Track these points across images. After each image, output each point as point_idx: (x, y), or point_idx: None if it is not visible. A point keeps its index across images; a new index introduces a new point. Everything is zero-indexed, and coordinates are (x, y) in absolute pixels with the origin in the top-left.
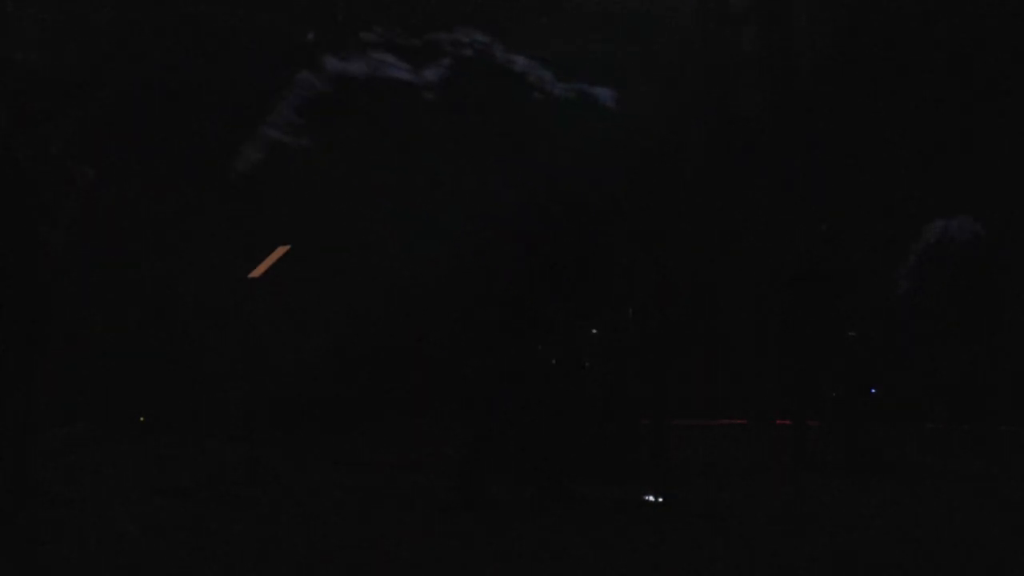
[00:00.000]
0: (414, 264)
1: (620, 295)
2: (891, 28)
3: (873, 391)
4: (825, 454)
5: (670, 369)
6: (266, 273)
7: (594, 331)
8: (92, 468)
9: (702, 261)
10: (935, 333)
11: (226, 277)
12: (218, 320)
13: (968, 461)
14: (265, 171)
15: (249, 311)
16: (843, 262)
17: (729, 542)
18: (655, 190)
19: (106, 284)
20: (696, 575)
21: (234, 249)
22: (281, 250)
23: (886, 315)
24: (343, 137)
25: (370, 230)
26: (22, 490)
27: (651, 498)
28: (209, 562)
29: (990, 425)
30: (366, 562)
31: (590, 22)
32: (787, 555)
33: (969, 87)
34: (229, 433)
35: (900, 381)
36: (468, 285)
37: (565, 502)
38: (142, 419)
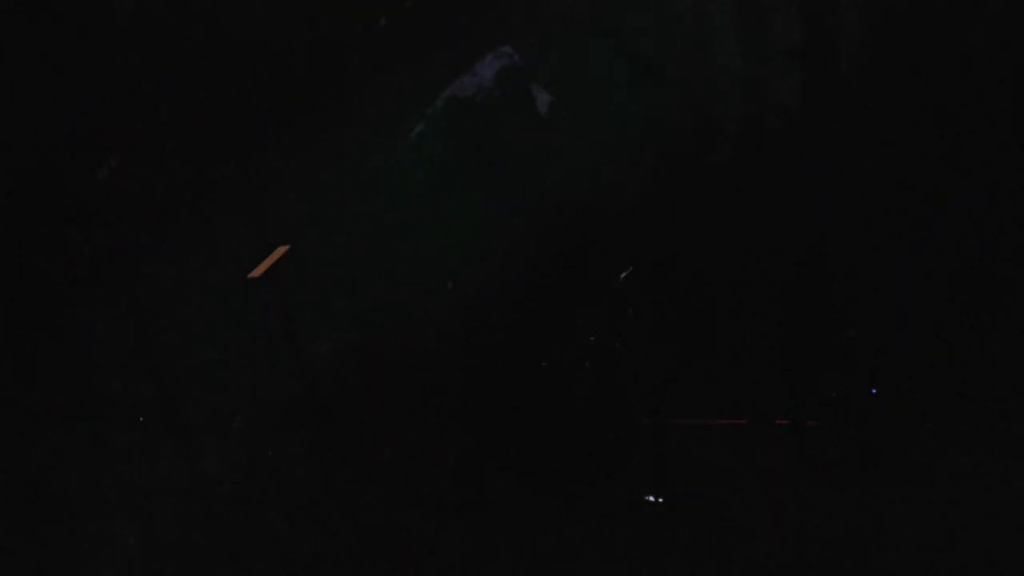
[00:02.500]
0: (417, 262)
1: (620, 293)
2: (935, 15)
3: (874, 391)
4: (825, 454)
5: (669, 368)
6: (266, 273)
7: (593, 330)
8: (92, 468)
9: (705, 258)
10: (934, 326)
11: (226, 276)
12: (218, 319)
13: (969, 461)
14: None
15: (249, 311)
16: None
17: (728, 542)
18: (672, 185)
19: (105, 282)
20: (696, 575)
21: (234, 249)
22: (281, 250)
23: (886, 312)
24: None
25: (373, 228)
26: (26, 490)
27: (651, 498)
28: (209, 562)
29: (991, 424)
30: (366, 562)
31: (617, 6)
32: (787, 555)
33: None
34: (229, 433)
35: (900, 380)
36: (471, 285)
37: (565, 502)
38: (141, 419)
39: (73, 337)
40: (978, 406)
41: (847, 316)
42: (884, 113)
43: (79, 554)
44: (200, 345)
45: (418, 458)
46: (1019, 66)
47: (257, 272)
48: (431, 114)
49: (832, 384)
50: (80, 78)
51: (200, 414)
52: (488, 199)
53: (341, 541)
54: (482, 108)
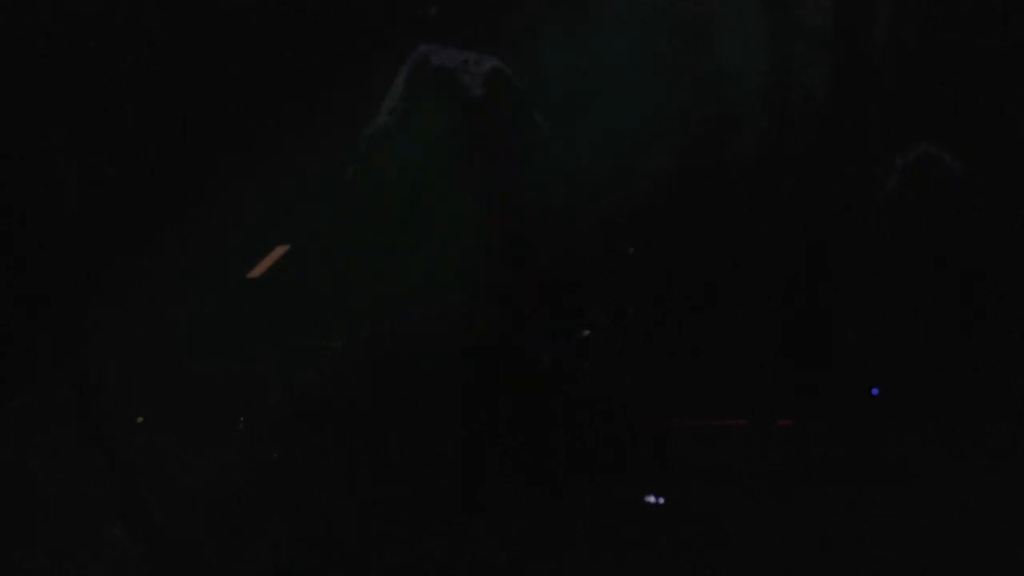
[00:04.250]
0: (418, 260)
1: (620, 292)
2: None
3: (876, 392)
4: (826, 455)
5: (669, 368)
6: (266, 273)
7: (592, 330)
8: (90, 468)
9: (706, 255)
10: (935, 326)
11: (227, 276)
12: (218, 318)
13: (970, 461)
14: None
15: (248, 310)
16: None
17: (729, 544)
18: (682, 181)
19: (105, 280)
20: (696, 575)
21: (233, 248)
22: (281, 250)
23: (884, 309)
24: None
25: (377, 227)
26: (22, 489)
27: (651, 498)
28: (210, 562)
29: (992, 424)
30: (365, 562)
31: None
32: (787, 557)
33: None
34: (230, 433)
35: (901, 380)
36: (471, 282)
37: (565, 502)
38: (140, 419)
39: (71, 336)
40: (978, 406)
41: (848, 316)
42: (900, 107)
43: (77, 555)
44: (201, 345)
45: (418, 458)
46: None
47: (256, 272)
48: (357, 152)
49: (832, 384)
50: (74, 75)
51: (203, 415)
52: (458, 208)
53: (341, 542)
54: (395, 132)
